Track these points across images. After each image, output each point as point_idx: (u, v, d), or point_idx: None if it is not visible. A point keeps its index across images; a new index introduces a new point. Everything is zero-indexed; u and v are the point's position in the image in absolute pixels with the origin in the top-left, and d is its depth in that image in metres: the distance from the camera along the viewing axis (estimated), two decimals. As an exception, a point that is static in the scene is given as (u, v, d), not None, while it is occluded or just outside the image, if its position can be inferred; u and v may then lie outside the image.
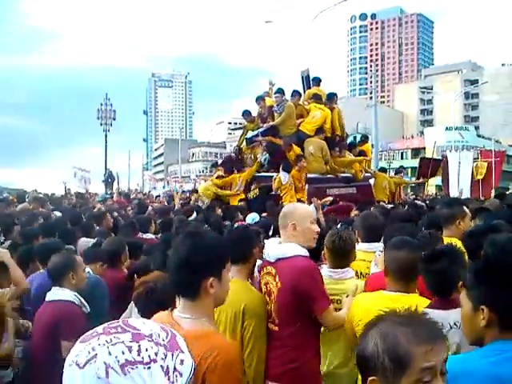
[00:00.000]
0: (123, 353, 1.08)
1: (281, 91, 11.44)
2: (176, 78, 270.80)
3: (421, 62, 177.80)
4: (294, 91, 12.02)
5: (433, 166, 15.25)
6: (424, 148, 78.59)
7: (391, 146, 76.63)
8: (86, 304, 3.72)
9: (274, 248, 3.31)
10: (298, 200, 9.12)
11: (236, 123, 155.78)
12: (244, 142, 12.42)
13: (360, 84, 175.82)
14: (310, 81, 13.21)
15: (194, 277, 1.98)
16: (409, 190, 26.85)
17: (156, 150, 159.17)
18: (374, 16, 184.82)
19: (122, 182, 34.16)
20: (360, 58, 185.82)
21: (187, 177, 73.47)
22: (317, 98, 12.00)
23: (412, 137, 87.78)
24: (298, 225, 3.20)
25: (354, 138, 14.33)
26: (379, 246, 4.15)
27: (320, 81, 13.06)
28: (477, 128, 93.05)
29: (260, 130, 11.53)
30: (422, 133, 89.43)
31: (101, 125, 35.31)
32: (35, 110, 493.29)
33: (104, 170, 30.28)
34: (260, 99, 12.16)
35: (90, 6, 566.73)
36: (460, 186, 14.89)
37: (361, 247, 4.27)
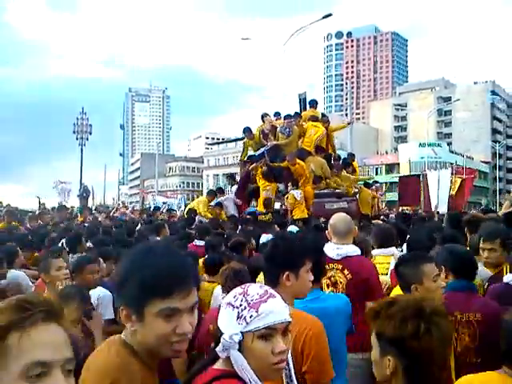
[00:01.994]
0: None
1: (289, 116, 12.94)
2: (153, 93, 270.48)
3: (395, 80, 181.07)
4: (296, 113, 13.63)
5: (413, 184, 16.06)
6: (398, 164, 79.94)
7: (366, 162, 77.67)
8: None
9: (337, 248, 3.94)
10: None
11: (214, 138, 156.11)
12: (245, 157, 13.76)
13: (336, 101, 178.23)
14: (306, 103, 14.85)
15: (273, 269, 2.57)
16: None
17: (132, 164, 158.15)
18: (349, 34, 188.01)
19: (98, 196, 33.95)
20: (336, 75, 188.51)
21: (163, 191, 73.25)
22: (314, 119, 13.46)
23: (386, 153, 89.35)
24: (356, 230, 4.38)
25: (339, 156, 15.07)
26: (393, 249, 5.15)
27: (316, 103, 14.99)
28: (449, 144, 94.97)
29: (265, 148, 12.72)
30: (396, 149, 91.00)
31: (77, 139, 35.12)
32: (9, 124, 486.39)
33: (79, 184, 30.14)
34: (264, 117, 13.48)
35: (66, 19, 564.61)
36: (440, 201, 15.57)
37: (378, 252, 5.16)
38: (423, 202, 15.63)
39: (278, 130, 12.96)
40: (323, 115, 14.41)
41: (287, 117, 13.08)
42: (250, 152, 13.72)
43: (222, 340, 1.62)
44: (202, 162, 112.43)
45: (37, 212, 16.95)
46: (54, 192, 21.82)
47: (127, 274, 1.61)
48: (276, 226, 8.72)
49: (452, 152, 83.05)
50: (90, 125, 35.85)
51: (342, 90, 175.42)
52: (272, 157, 12.51)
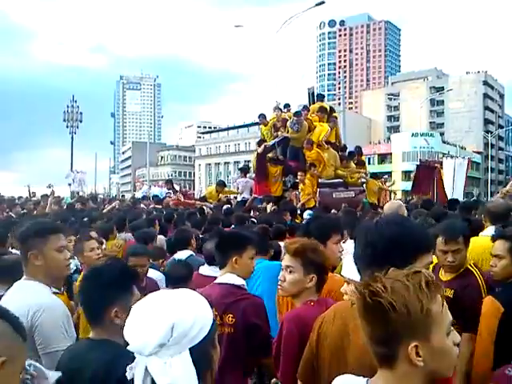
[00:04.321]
0: None
1: (299, 113, 13.42)
2: (145, 81, 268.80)
3: (388, 69, 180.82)
4: (304, 106, 14.48)
5: (428, 174, 16.03)
6: (390, 154, 79.96)
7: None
8: None
9: None
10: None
11: (205, 127, 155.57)
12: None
13: (328, 90, 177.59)
14: (314, 96, 15.55)
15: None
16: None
17: (123, 153, 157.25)
18: (342, 23, 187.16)
19: (88, 185, 33.53)
20: (329, 64, 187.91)
21: (155, 180, 72.89)
22: (322, 111, 13.86)
23: (379, 142, 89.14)
24: None
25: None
26: None
27: (324, 97, 16.11)
28: (442, 134, 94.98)
29: (276, 139, 13.47)
30: (388, 139, 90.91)
31: (67, 127, 34.69)
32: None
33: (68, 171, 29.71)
34: (277, 109, 14.55)
35: (57, 6, 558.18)
36: (454, 192, 15.79)
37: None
38: (436, 191, 15.60)
39: (287, 123, 13.39)
40: (331, 109, 14.90)
41: (296, 113, 13.48)
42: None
43: None
44: (194, 151, 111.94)
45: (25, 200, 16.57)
46: (65, 181, 21.76)
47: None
48: (288, 213, 8.96)
49: (444, 142, 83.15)
50: (81, 113, 35.49)
51: (334, 79, 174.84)
52: (283, 147, 13.28)
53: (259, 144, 13.81)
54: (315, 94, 15.93)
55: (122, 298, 2.05)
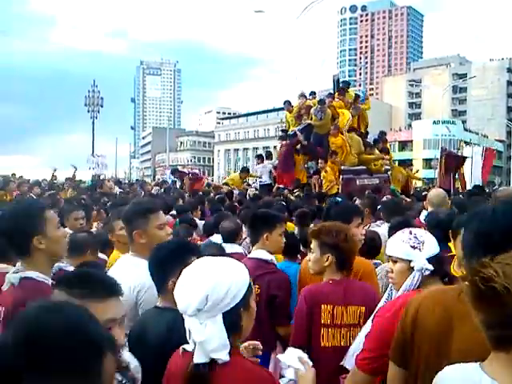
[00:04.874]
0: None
1: (323, 102, 13.48)
2: (165, 66, 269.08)
3: (410, 55, 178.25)
4: (329, 93, 14.63)
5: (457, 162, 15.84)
6: (411, 141, 79.11)
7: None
8: None
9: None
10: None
11: (224, 112, 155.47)
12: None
13: (349, 76, 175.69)
14: (340, 83, 15.78)
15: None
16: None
17: (144, 138, 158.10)
18: (364, 8, 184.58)
19: (109, 170, 33.89)
20: (350, 49, 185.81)
21: (174, 165, 73.25)
22: (341, 93, 14.22)
23: (400, 129, 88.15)
24: None
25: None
26: None
27: (349, 84, 16.88)
28: (464, 122, 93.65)
29: (299, 127, 13.66)
30: (409, 126, 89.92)
31: (88, 112, 34.97)
32: (21, 97, 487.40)
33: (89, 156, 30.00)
34: (302, 96, 14.77)
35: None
36: (473, 177, 15.74)
37: None
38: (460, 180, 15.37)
39: (311, 110, 13.50)
40: (356, 95, 15.12)
41: (320, 101, 13.59)
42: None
43: None
44: (213, 137, 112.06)
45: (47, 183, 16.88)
46: (86, 165, 22.31)
47: None
48: (316, 199, 9.52)
49: (466, 130, 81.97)
50: (102, 98, 35.68)
51: (355, 65, 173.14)
52: (306, 134, 13.36)
53: (282, 137, 14.23)
54: (340, 81, 16.15)
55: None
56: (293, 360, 1.94)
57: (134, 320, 2.52)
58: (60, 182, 17.50)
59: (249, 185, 13.97)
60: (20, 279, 2.37)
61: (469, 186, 15.44)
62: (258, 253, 3.57)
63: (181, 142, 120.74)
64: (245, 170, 14.93)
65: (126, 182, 29.35)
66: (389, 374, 2.06)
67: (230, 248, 4.44)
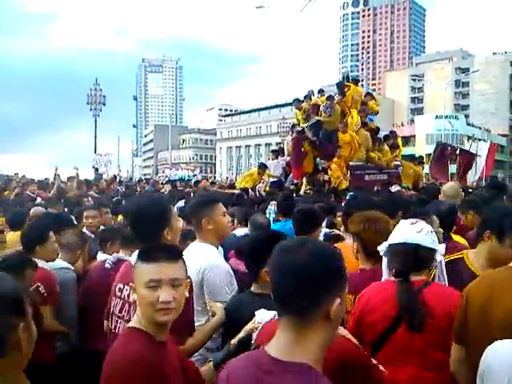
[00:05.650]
0: None
1: (332, 98, 13.62)
2: (166, 64, 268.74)
3: (412, 50, 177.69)
4: (341, 92, 14.35)
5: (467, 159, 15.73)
6: (414, 136, 78.84)
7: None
8: None
9: None
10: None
11: (226, 109, 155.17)
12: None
13: (351, 71, 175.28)
14: (349, 80, 15.58)
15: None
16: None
17: (146, 136, 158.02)
18: (366, 3, 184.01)
19: (112, 168, 33.89)
20: (352, 44, 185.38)
21: (177, 163, 73.24)
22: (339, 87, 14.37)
23: (402, 124, 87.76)
24: None
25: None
26: None
27: (358, 81, 16.67)
28: (467, 117, 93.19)
29: (308, 123, 13.58)
30: (412, 121, 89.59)
31: (90, 110, 34.99)
32: (23, 95, 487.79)
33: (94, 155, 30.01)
34: (308, 98, 14.68)
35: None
36: (476, 173, 15.68)
37: None
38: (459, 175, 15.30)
39: (321, 108, 13.55)
40: (368, 93, 15.49)
41: (329, 97, 13.65)
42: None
43: None
44: (215, 135, 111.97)
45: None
46: (89, 164, 22.54)
47: None
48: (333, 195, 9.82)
49: (469, 124, 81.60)
50: (104, 96, 35.72)
51: (357, 60, 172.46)
52: (315, 131, 13.26)
53: (292, 130, 14.32)
54: (350, 78, 16.08)
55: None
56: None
57: (201, 296, 3.04)
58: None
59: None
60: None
61: (470, 182, 15.39)
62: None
63: (183, 140, 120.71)
64: (263, 166, 14.75)
65: (127, 179, 29.30)
66: (452, 354, 2.42)
67: None
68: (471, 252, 3.20)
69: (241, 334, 2.29)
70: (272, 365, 1.41)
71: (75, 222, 5.81)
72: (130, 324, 2.06)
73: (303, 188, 12.15)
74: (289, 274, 1.41)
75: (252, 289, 2.80)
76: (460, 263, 3.14)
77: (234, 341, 2.31)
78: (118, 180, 19.76)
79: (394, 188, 11.28)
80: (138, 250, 2.26)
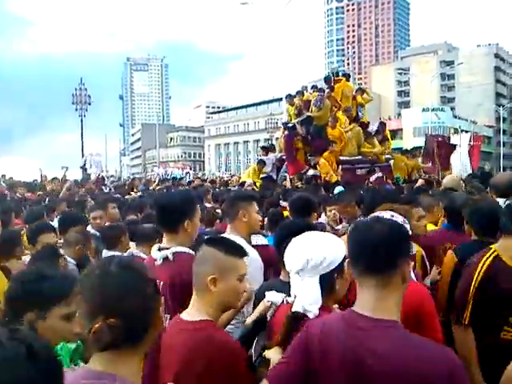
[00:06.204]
0: None
1: (322, 90, 13.81)
2: (152, 62, 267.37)
3: (397, 44, 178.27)
4: (330, 86, 14.41)
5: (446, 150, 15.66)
6: (401, 129, 79.23)
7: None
8: None
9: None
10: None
11: (214, 107, 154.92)
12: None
13: (337, 66, 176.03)
14: (339, 75, 15.87)
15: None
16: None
17: (133, 135, 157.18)
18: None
19: (102, 168, 33.68)
20: (337, 39, 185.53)
21: (165, 162, 72.92)
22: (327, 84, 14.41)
23: (389, 118, 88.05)
24: None
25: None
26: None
27: (349, 76, 16.60)
28: (453, 109, 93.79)
29: (299, 119, 13.71)
30: (399, 114, 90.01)
31: (76, 110, 34.73)
32: (7, 97, 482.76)
33: (81, 156, 29.79)
34: (300, 93, 14.67)
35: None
36: (461, 165, 15.72)
37: None
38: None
39: (312, 102, 13.56)
40: (359, 88, 15.63)
41: (320, 90, 13.79)
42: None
43: None
44: (203, 132, 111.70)
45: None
46: (76, 164, 22.41)
47: None
48: (323, 188, 9.90)
49: (455, 117, 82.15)
50: (89, 95, 35.44)
51: (343, 55, 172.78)
52: (306, 127, 13.38)
53: (284, 127, 14.40)
54: (339, 74, 16.22)
55: None
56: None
57: None
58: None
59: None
60: (173, 254, 2.80)
61: (454, 172, 15.33)
62: None
63: (171, 138, 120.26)
64: (261, 162, 14.64)
65: (116, 179, 29.08)
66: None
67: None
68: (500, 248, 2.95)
69: (255, 314, 2.45)
70: (364, 321, 1.70)
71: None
72: (196, 317, 2.11)
73: (292, 183, 12.13)
74: (372, 244, 1.73)
75: (281, 277, 2.94)
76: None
77: (249, 320, 2.47)
78: (106, 181, 19.53)
79: (373, 177, 11.52)
80: (169, 247, 2.80)
